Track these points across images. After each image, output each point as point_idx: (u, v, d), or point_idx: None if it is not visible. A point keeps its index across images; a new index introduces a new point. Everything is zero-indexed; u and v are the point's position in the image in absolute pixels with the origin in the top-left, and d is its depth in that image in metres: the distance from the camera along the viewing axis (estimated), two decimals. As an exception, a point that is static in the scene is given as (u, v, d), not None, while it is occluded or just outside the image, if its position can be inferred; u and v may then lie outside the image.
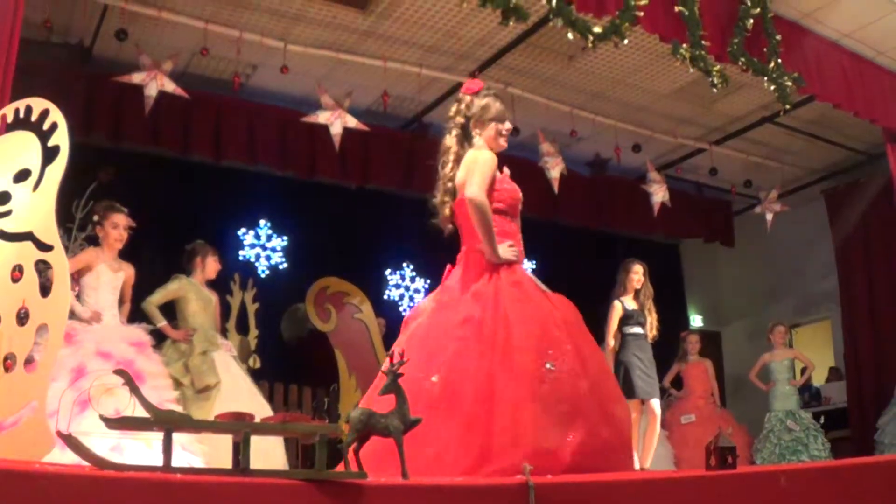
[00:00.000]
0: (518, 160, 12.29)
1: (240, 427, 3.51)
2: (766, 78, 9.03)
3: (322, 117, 10.19)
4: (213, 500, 3.13)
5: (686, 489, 4.43)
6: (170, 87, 9.48)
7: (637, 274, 9.49)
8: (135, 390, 3.46)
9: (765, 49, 8.99)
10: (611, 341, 9.33)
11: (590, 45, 8.00)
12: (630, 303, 9.51)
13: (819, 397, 15.22)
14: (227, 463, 3.80)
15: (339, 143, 10.27)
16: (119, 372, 3.48)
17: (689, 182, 14.41)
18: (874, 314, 13.78)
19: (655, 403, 9.03)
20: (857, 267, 14.22)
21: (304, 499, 3.30)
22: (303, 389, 11.38)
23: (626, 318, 9.34)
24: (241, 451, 3.48)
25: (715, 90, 8.82)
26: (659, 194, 12.88)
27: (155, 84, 9.39)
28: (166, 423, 3.44)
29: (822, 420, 12.40)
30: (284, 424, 3.65)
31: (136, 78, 9.42)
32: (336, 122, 10.16)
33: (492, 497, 3.69)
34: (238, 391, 8.67)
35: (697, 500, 4.41)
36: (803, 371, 12.89)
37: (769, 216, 13.86)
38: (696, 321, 17.11)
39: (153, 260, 10.60)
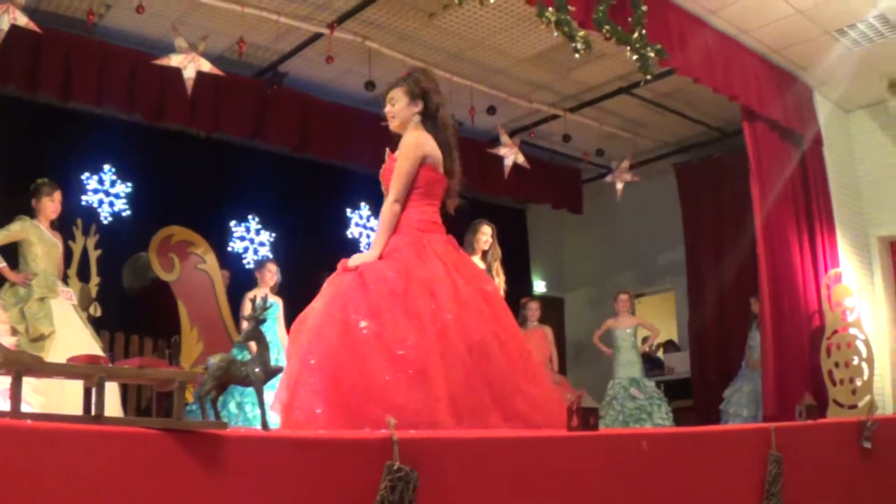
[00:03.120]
0: (372, 116, 12.21)
1: (95, 371, 3.33)
2: (628, 48, 9.02)
3: (175, 60, 9.91)
4: (65, 447, 2.97)
5: (547, 448, 4.39)
6: (22, 20, 9.05)
7: (485, 235, 9.37)
8: (-19, 329, 3.27)
9: (629, 19, 8.97)
10: None
11: (456, 1, 7.90)
12: (478, 263, 9.42)
13: (662, 366, 15.51)
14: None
15: (191, 87, 10.00)
16: (-37, 309, 3.28)
17: (542, 148, 14.45)
18: (719, 288, 14.07)
19: None
20: (704, 241, 14.53)
21: (160, 448, 3.15)
22: (144, 340, 11.19)
23: None
24: (95, 397, 3.31)
25: (578, 55, 8.77)
26: (510, 158, 12.90)
27: (7, 17, 8.96)
28: (16, 364, 3.25)
29: (662, 389, 12.57)
30: (141, 370, 3.47)
31: (-12, 11, 9.01)
32: (189, 65, 9.88)
33: (355, 451, 3.59)
34: (75, 341, 8.36)
35: (559, 459, 4.38)
36: (645, 339, 13.04)
37: (619, 186, 14.04)
38: (539, 287, 17.25)
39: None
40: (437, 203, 5.72)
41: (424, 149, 5.60)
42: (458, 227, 10.60)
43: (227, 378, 3.69)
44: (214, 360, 3.67)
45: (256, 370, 3.77)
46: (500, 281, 9.26)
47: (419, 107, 5.79)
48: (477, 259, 9.37)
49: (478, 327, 5.01)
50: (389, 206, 5.46)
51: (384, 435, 3.65)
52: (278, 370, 3.93)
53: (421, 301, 4.96)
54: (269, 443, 3.46)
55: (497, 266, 9.32)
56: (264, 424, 3.80)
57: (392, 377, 4.70)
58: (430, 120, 5.79)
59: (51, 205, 8.88)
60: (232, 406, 9.66)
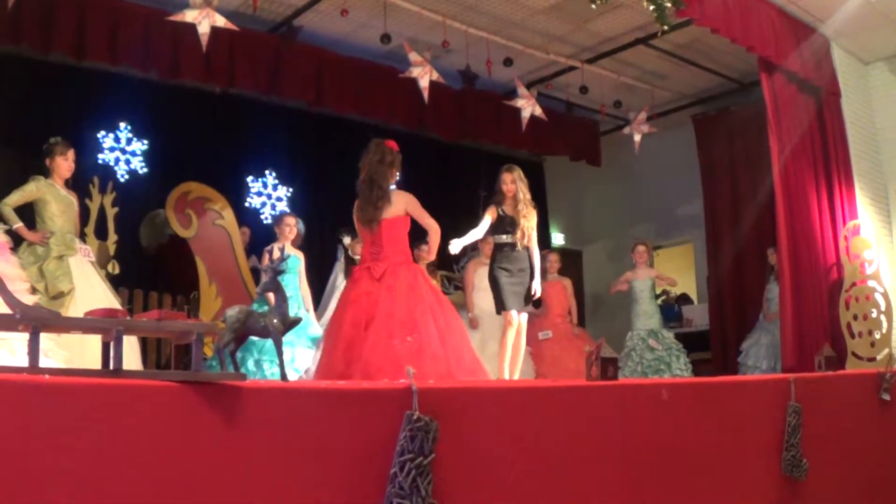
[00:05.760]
0: (388, 69, 12.15)
1: (113, 325, 3.33)
2: (645, -2, 8.93)
3: (189, 16, 9.81)
4: (84, 402, 2.97)
5: (568, 398, 4.38)
6: (33, -20, 9.01)
7: (504, 183, 9.13)
8: (-1, 285, 3.27)
9: (646, -31, 8.89)
10: (486, 247, 9.19)
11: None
12: (506, 209, 9.13)
13: (681, 319, 15.47)
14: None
15: (205, 42, 9.91)
16: (-20, 266, 3.27)
17: (559, 100, 14.38)
18: (737, 240, 14.02)
19: (523, 318, 8.86)
20: (722, 193, 14.47)
21: (179, 401, 3.15)
22: (163, 296, 11.18)
23: (499, 225, 9.00)
24: (112, 350, 3.31)
25: (594, 6, 8.72)
26: (527, 110, 12.82)
27: (18, -23, 8.91)
28: (34, 320, 3.25)
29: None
30: (160, 322, 3.47)
31: (1, -29, 8.95)
32: (203, 21, 9.79)
33: (375, 401, 3.59)
34: (94, 299, 8.36)
35: (579, 409, 4.37)
36: (663, 293, 13.01)
37: (637, 137, 13.93)
38: (557, 239, 17.21)
39: (10, 162, 10.27)
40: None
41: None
42: (474, 180, 10.54)
43: (246, 330, 3.68)
44: (232, 311, 3.66)
45: (275, 321, 3.75)
46: (524, 226, 9.01)
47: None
48: (505, 205, 9.09)
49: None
50: None
51: (404, 385, 3.64)
52: (296, 322, 3.91)
53: None
54: (288, 393, 3.46)
55: (525, 210, 9.04)
56: (283, 376, 3.79)
57: None
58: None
59: (65, 163, 8.85)
60: (250, 363, 9.64)
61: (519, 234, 8.86)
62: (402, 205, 7.83)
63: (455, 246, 8.51)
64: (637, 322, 12.33)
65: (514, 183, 8.96)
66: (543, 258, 12.79)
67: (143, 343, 9.73)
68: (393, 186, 8.10)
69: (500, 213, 8.92)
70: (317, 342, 9.63)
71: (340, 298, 7.93)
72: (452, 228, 9.02)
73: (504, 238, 8.90)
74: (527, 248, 8.95)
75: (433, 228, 7.88)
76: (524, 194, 8.95)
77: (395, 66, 11.90)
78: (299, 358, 9.46)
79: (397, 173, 8.18)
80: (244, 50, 11.30)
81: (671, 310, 15.18)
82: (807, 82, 11.56)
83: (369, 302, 7.38)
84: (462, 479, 3.86)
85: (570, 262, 15.74)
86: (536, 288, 9.12)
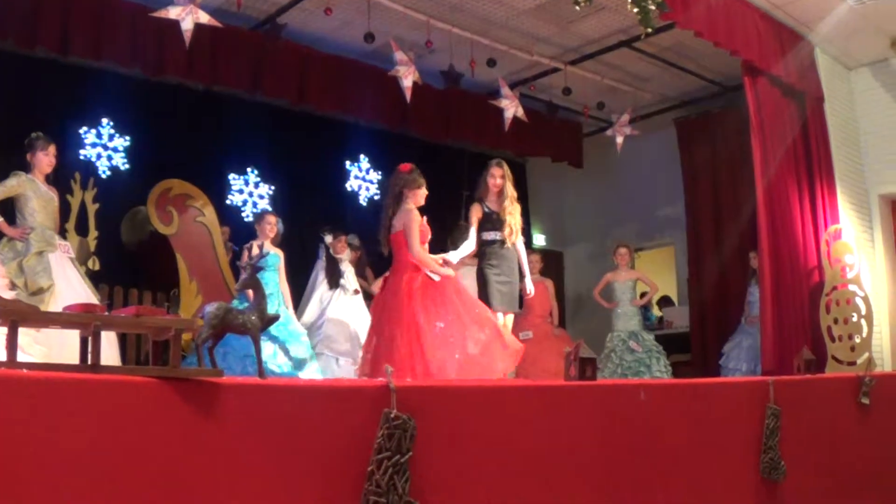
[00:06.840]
0: (371, 68, 12.15)
1: (90, 320, 3.32)
2: (629, 1, 8.92)
3: (173, 13, 9.80)
4: (62, 397, 2.96)
5: (545, 398, 4.38)
6: (18, -24, 8.98)
7: (493, 177, 9.07)
8: (-23, 278, 3.25)
9: (630, -29, 8.87)
10: (474, 247, 9.07)
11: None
12: (490, 205, 9.09)
13: (661, 321, 15.50)
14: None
15: (189, 39, 9.89)
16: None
17: (542, 101, 14.39)
18: (718, 243, 14.07)
19: (508, 319, 8.85)
20: (704, 195, 14.52)
21: (157, 396, 3.14)
22: (143, 293, 11.13)
23: (485, 222, 8.96)
24: (90, 345, 3.30)
25: (578, 8, 8.71)
26: (510, 110, 12.82)
27: (3, -27, 8.89)
28: (12, 314, 3.23)
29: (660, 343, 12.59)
30: (138, 318, 3.46)
31: (-17, -36, 8.92)
32: (187, 17, 9.76)
33: (353, 399, 3.59)
34: (73, 295, 8.31)
35: (557, 409, 4.38)
36: (643, 295, 13.07)
37: (619, 140, 13.96)
38: (538, 240, 17.22)
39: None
40: None
41: None
42: (456, 180, 10.55)
43: (224, 326, 3.67)
44: (211, 307, 3.65)
45: (253, 318, 3.75)
46: (511, 223, 8.99)
47: None
48: (490, 201, 9.05)
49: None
50: None
51: (381, 383, 3.64)
52: (275, 318, 3.91)
53: None
54: (265, 390, 3.45)
55: (511, 208, 9.00)
56: (260, 372, 3.78)
57: None
58: None
59: (45, 159, 8.80)
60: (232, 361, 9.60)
61: (507, 230, 8.85)
62: (400, 221, 8.23)
63: (452, 260, 8.51)
64: (617, 323, 12.42)
65: (504, 178, 8.96)
66: (525, 258, 12.82)
67: (122, 340, 9.70)
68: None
69: (486, 209, 8.92)
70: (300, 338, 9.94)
71: None
72: (435, 229, 9.01)
73: (492, 235, 8.89)
74: (514, 245, 8.97)
75: (417, 258, 8.03)
76: (510, 190, 8.95)
77: (379, 65, 11.91)
78: (280, 354, 9.47)
79: (417, 191, 8.32)
80: (228, 47, 11.29)
81: (646, 314, 15.18)
82: (790, 87, 11.59)
83: (376, 309, 8.29)
84: (440, 477, 3.86)
85: (552, 263, 15.74)
86: (530, 287, 9.25)
